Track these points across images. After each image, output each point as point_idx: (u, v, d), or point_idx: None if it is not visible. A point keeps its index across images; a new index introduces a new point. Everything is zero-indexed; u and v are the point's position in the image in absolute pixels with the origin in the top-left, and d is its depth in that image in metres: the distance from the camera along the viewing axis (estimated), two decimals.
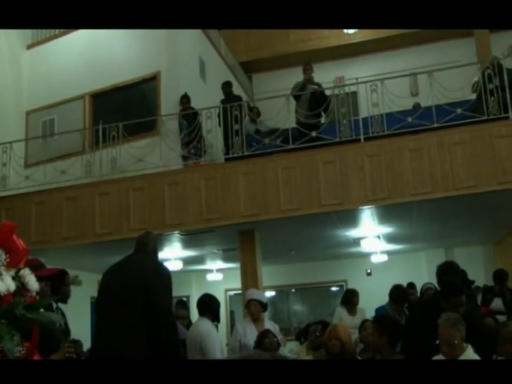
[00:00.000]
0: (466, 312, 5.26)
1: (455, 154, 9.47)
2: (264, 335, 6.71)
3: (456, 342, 4.61)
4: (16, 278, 2.54)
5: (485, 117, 9.57)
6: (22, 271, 2.60)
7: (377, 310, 8.72)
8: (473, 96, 10.44)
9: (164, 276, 5.16)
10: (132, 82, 13.00)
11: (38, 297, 2.71)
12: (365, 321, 7.34)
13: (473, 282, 8.66)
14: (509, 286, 9.57)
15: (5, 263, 2.46)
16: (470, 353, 4.67)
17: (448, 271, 6.64)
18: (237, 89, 14.42)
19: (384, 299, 8.78)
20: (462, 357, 4.58)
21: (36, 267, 4.66)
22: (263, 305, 7.48)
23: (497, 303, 8.59)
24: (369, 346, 5.25)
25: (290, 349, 9.98)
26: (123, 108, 12.95)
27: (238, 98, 12.10)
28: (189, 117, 11.55)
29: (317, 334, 7.21)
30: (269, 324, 7.48)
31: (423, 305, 6.57)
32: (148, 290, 4.92)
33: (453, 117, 9.65)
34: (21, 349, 2.47)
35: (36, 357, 2.61)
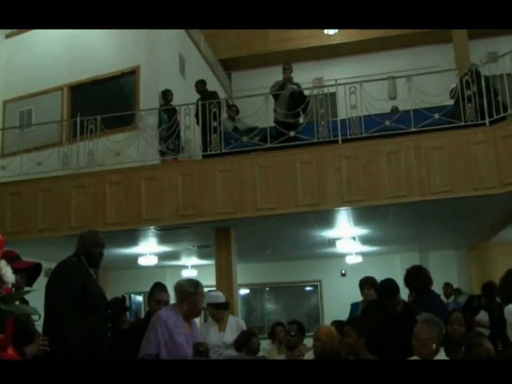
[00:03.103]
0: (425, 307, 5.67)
1: (431, 159, 9.56)
2: (247, 338, 6.71)
3: (423, 336, 4.69)
4: None
5: (462, 123, 9.65)
6: None
7: (352, 305, 8.75)
8: (451, 102, 10.52)
9: (53, 274, 5.38)
10: (111, 76, 12.94)
11: (13, 289, 2.70)
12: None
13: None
14: (497, 300, 9.49)
15: None
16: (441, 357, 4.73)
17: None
18: (216, 87, 14.43)
19: (358, 300, 8.82)
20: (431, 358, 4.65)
21: (12, 259, 4.64)
22: (221, 305, 7.43)
23: (483, 316, 8.54)
24: (345, 348, 5.25)
25: (263, 348, 9.99)
26: (101, 101, 12.89)
27: (214, 94, 12.09)
28: (169, 111, 11.54)
29: (292, 333, 7.24)
30: (232, 320, 7.47)
31: (368, 308, 6.76)
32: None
33: (430, 122, 9.74)
34: None
35: (10, 349, 2.60)
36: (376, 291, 6.93)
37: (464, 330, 5.48)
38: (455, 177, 9.42)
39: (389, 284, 6.27)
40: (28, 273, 4.69)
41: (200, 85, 12.32)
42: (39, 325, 3.91)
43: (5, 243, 2.76)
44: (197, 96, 11.95)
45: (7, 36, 14.05)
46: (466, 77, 9.95)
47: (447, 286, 13.57)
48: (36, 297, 4.55)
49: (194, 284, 5.27)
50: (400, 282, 6.93)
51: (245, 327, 7.43)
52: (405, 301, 6.45)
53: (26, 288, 4.59)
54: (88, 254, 5.49)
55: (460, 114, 9.74)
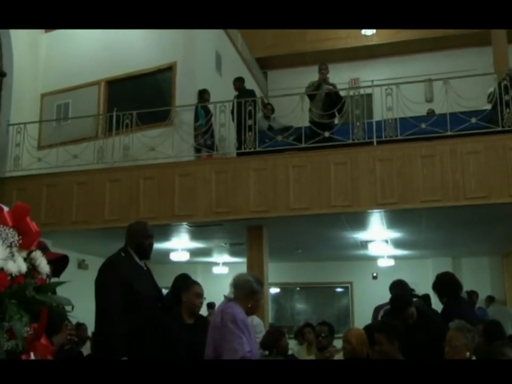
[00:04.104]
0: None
1: (467, 164, 9.45)
2: (276, 339, 6.64)
3: (457, 344, 4.65)
4: (27, 259, 2.57)
5: (500, 128, 9.53)
6: (33, 253, 2.63)
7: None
8: (489, 107, 10.41)
9: (100, 271, 5.41)
10: (147, 72, 13.00)
11: (48, 280, 2.73)
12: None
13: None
14: None
15: (17, 244, 2.48)
16: None
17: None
18: (251, 85, 14.43)
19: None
20: None
21: (40, 249, 4.69)
22: None
23: None
24: (379, 356, 5.16)
25: (291, 348, 9.97)
26: (137, 97, 12.96)
27: (251, 92, 12.09)
28: (206, 108, 11.59)
29: (322, 335, 7.24)
30: (255, 321, 7.27)
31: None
32: None
33: (467, 126, 9.62)
34: (29, 329, 2.49)
35: (43, 339, 2.63)
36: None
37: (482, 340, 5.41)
38: (490, 183, 9.30)
39: (399, 299, 6.35)
40: (54, 265, 4.72)
41: (238, 82, 12.35)
42: (72, 316, 3.97)
43: (40, 234, 2.79)
44: (233, 93, 11.97)
45: (46, 30, 14.19)
46: (505, 82, 9.83)
47: (472, 293, 13.39)
48: (67, 288, 4.62)
49: (259, 282, 5.16)
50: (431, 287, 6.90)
51: (259, 329, 7.23)
52: (420, 310, 6.41)
53: (54, 279, 4.64)
54: (139, 246, 5.53)
55: (497, 119, 9.62)
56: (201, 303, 5.73)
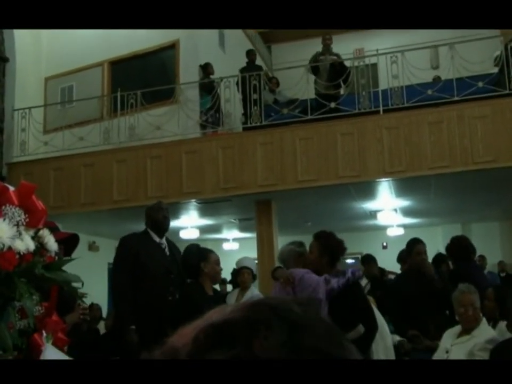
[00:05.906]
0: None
1: (475, 128, 9.38)
2: None
3: (476, 307, 4.69)
4: (35, 238, 2.56)
5: (507, 91, 9.45)
6: (41, 232, 2.62)
7: None
8: (495, 70, 10.32)
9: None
10: (150, 50, 12.95)
11: (56, 258, 2.73)
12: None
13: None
14: None
15: (24, 223, 2.47)
16: (485, 325, 4.71)
17: None
18: (256, 59, 14.38)
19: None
20: (478, 327, 4.63)
21: (50, 230, 4.70)
22: (254, 275, 7.13)
23: None
24: (308, 264, 4.86)
25: None
26: (141, 76, 12.93)
27: (259, 68, 12.09)
28: (210, 84, 11.56)
29: None
30: (249, 293, 7.10)
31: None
32: None
33: (473, 90, 9.55)
34: (40, 308, 2.50)
35: (54, 317, 2.63)
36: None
37: (493, 305, 5.40)
38: (498, 146, 9.24)
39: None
40: (65, 245, 4.74)
41: (252, 54, 12.57)
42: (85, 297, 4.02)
43: (47, 213, 2.78)
44: (237, 69, 11.90)
45: None
46: (511, 44, 9.74)
47: (480, 258, 13.26)
48: (78, 270, 4.64)
49: (299, 243, 5.27)
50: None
51: None
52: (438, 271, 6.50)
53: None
54: (154, 222, 5.81)
55: (504, 82, 9.54)
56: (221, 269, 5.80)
